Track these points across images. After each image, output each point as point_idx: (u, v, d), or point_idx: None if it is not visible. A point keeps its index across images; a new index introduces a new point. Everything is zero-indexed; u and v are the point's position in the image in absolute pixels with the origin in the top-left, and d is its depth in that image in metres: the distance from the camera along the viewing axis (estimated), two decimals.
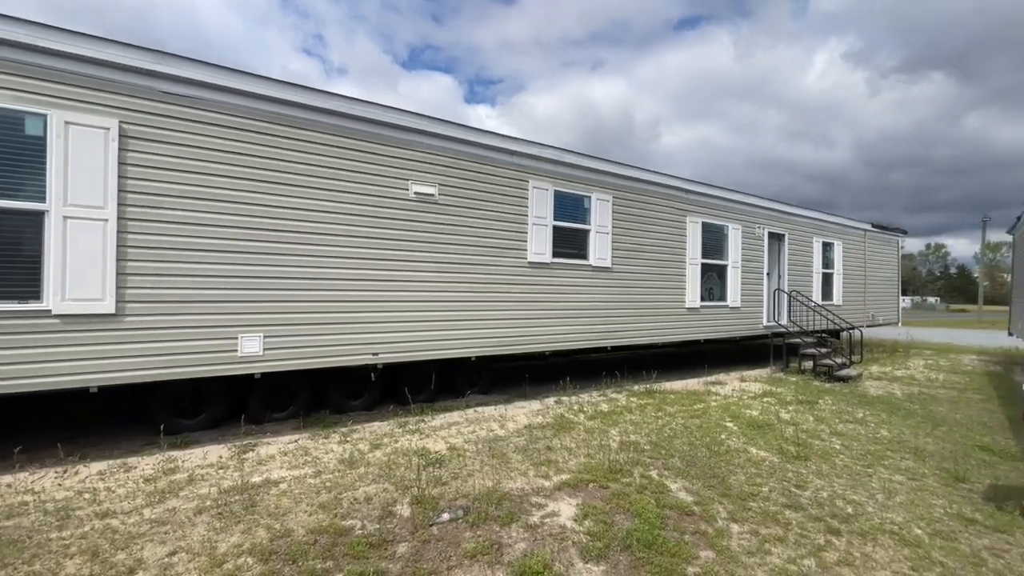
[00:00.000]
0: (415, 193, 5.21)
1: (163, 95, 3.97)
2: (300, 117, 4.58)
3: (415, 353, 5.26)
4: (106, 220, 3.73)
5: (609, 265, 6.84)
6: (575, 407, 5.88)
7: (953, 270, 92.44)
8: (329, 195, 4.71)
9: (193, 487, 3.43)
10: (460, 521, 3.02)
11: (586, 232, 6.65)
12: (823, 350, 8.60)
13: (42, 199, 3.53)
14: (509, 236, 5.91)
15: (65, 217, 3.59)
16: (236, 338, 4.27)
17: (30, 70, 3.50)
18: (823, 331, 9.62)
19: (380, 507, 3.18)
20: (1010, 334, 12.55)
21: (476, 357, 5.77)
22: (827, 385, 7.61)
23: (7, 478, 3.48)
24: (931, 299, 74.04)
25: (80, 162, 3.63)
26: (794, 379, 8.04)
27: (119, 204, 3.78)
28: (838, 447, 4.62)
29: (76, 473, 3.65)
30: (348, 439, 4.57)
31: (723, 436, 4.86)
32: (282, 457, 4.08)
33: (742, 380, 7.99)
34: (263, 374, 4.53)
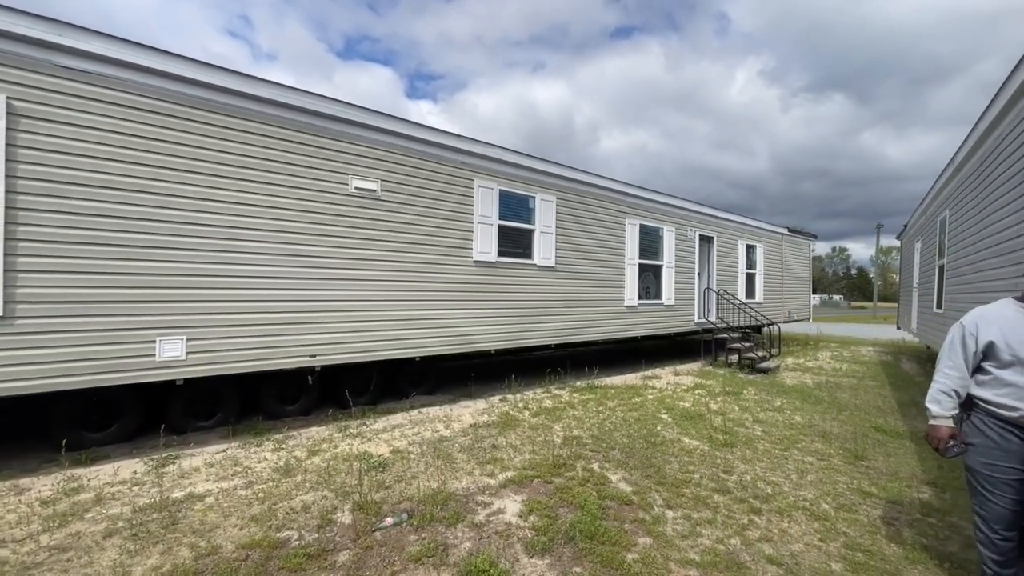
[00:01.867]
0: (356, 188, 5.02)
1: (61, 69, 3.53)
2: (228, 103, 4.26)
3: (356, 355, 5.08)
4: None
5: (553, 265, 6.98)
6: (520, 404, 5.95)
7: (854, 271, 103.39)
8: (261, 188, 4.43)
9: (102, 507, 3.10)
10: (404, 525, 2.95)
11: (531, 232, 6.74)
12: (747, 344, 9.31)
13: None
14: (454, 235, 5.86)
15: None
16: (154, 341, 3.90)
17: None
18: (747, 327, 10.41)
19: (319, 516, 3.04)
20: (898, 327, 14.26)
21: (420, 358, 5.67)
22: (750, 377, 8.25)
23: None
24: (836, 297, 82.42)
25: None
26: (722, 372, 8.63)
27: (7, 191, 3.32)
28: (759, 433, 5.02)
29: None
30: (283, 446, 4.32)
31: (659, 428, 5.12)
32: (208, 469, 3.78)
33: (676, 374, 8.47)
34: (186, 380, 4.18)
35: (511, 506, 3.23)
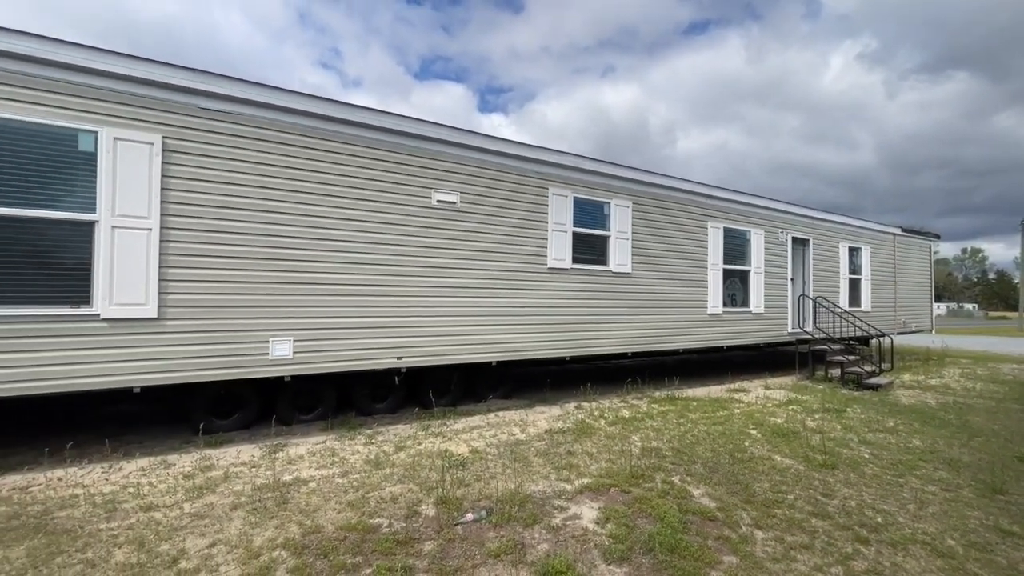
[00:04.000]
0: (437, 201, 5.34)
1: (202, 111, 4.20)
2: (328, 129, 4.77)
3: (438, 357, 5.37)
4: (150, 229, 3.96)
5: (629, 271, 6.84)
6: (596, 413, 5.88)
7: (992, 275, 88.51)
8: (355, 204, 4.88)
9: (228, 484, 3.58)
10: (483, 522, 3.08)
11: (606, 238, 6.68)
12: (851, 357, 8.39)
13: (92, 210, 3.77)
14: (529, 242, 5.99)
15: (113, 227, 3.82)
16: (267, 342, 4.45)
17: (82, 90, 3.76)
18: (851, 338, 9.37)
19: (406, 506, 3.27)
20: None
21: (496, 362, 5.84)
22: (855, 393, 7.42)
23: (59, 472, 3.70)
24: (968, 306, 70.99)
25: (127, 175, 3.87)
26: (820, 387, 7.85)
27: (162, 214, 4.00)
28: (867, 456, 4.52)
29: (120, 469, 3.85)
30: (373, 441, 4.68)
31: (747, 443, 4.81)
32: (311, 457, 4.21)
33: (766, 387, 7.85)
34: (292, 377, 4.69)
35: (588, 512, 3.23)
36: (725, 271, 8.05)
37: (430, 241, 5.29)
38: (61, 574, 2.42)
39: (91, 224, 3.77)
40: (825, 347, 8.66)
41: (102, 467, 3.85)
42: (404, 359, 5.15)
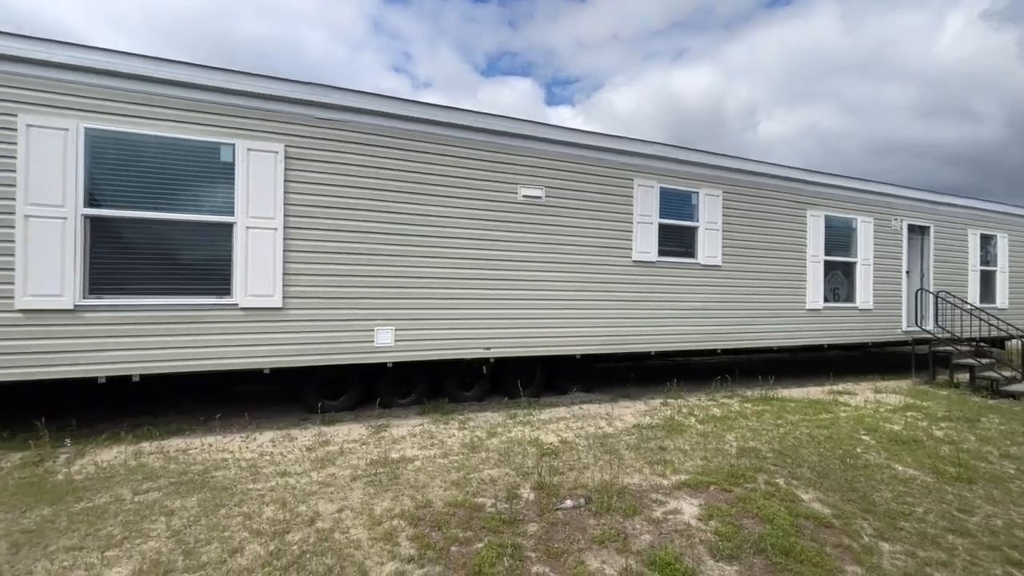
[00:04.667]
0: (523, 196, 5.46)
1: (317, 120, 4.63)
2: (422, 131, 5.05)
3: (524, 349, 5.50)
4: (275, 229, 4.45)
5: (719, 263, 6.53)
6: (684, 410, 5.71)
7: None
8: (448, 201, 5.13)
9: (344, 458, 3.96)
10: (583, 509, 3.14)
11: (694, 229, 6.42)
12: (983, 360, 7.36)
13: (232, 213, 4.32)
14: (614, 235, 5.93)
15: (247, 227, 4.35)
16: (372, 330, 4.83)
17: (223, 108, 4.30)
18: (981, 339, 8.21)
19: (505, 489, 3.42)
20: None
21: (581, 355, 5.86)
22: (991, 401, 6.52)
23: (209, 439, 4.31)
24: None
25: (257, 181, 4.38)
26: (944, 393, 6.99)
27: (284, 215, 4.48)
28: (1012, 472, 3.98)
29: (255, 439, 4.39)
30: (466, 426, 4.92)
31: (859, 449, 4.44)
32: (412, 438, 4.53)
33: (876, 391, 7.14)
34: (394, 364, 5.06)
35: (688, 508, 3.18)
36: (826, 263, 7.40)
37: (516, 235, 5.42)
38: (226, 523, 2.84)
39: (230, 225, 4.33)
40: (950, 348, 7.67)
41: (241, 436, 4.42)
42: (492, 349, 5.34)
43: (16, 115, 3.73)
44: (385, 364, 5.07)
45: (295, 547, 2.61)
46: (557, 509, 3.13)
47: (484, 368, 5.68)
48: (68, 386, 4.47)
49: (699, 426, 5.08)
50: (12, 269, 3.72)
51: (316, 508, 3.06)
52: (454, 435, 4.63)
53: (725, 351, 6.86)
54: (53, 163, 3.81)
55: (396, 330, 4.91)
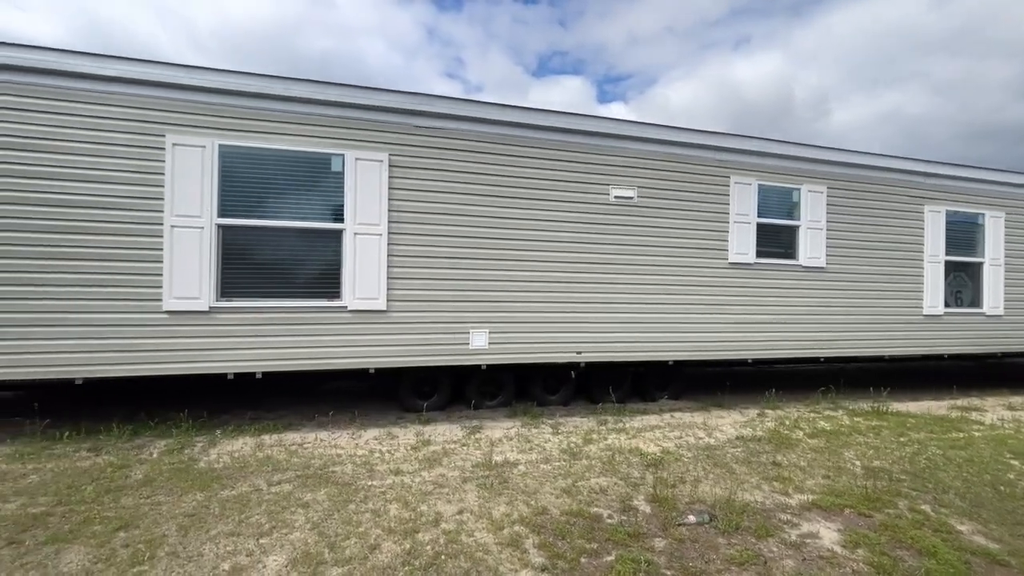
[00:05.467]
0: (615, 197, 5.33)
1: (416, 128, 4.77)
2: (514, 135, 5.06)
3: (614, 354, 5.38)
4: (380, 235, 4.63)
5: (823, 265, 6.05)
6: (787, 422, 5.34)
7: None
8: (539, 204, 5.11)
9: (449, 459, 4.04)
10: (707, 526, 2.99)
11: (795, 228, 5.99)
12: None
13: (341, 220, 4.55)
14: (709, 236, 5.65)
15: (355, 233, 4.57)
16: (468, 333, 4.91)
17: (335, 120, 4.54)
18: None
19: (618, 500, 3.33)
20: None
21: (673, 361, 5.65)
22: None
23: (320, 434, 4.56)
24: None
25: (364, 189, 4.58)
26: None
27: (388, 221, 4.66)
28: None
29: (360, 436, 4.60)
30: (559, 431, 4.87)
31: (1010, 476, 3.93)
32: (508, 441, 4.54)
33: (1009, 408, 6.32)
34: (487, 366, 5.11)
35: (826, 533, 2.94)
36: (948, 264, 6.65)
37: (608, 238, 5.31)
38: (358, 518, 2.97)
39: (340, 232, 4.56)
40: None
41: (347, 433, 4.64)
42: (583, 354, 5.27)
43: (164, 135, 4.14)
44: (479, 366, 5.13)
45: (428, 547, 2.68)
46: (680, 524, 3.00)
47: (573, 372, 5.61)
48: (176, 381, 4.90)
49: (809, 440, 4.73)
50: (161, 274, 4.13)
51: (436, 509, 3.13)
52: (550, 440, 4.60)
53: (829, 359, 6.34)
54: (192, 177, 4.18)
55: (490, 333, 4.95)
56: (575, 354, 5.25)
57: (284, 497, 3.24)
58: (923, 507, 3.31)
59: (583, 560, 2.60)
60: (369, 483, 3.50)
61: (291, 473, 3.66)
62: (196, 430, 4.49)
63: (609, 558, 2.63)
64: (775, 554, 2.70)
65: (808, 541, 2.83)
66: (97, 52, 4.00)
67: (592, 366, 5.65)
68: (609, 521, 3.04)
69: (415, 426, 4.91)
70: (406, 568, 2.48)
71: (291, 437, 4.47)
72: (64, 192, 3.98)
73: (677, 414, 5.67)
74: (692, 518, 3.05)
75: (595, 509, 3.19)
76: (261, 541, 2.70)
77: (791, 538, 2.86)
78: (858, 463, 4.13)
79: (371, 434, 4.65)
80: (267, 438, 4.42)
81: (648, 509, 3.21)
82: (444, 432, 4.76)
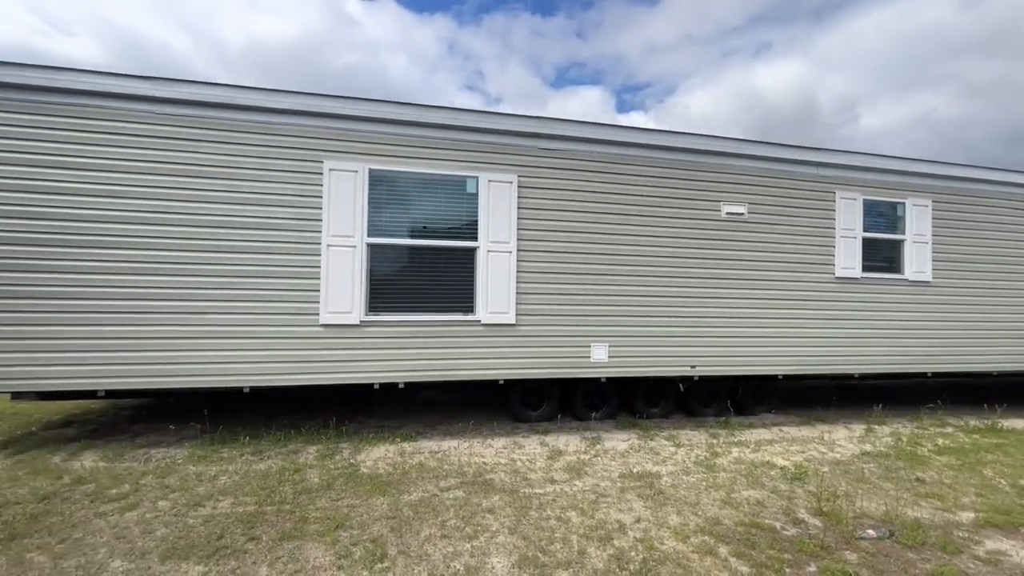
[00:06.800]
0: (726, 214, 5.44)
1: (541, 151, 5.00)
2: (628, 154, 5.24)
3: (725, 368, 5.46)
4: (510, 252, 4.86)
5: (929, 279, 6.01)
6: (903, 439, 5.30)
7: None
8: (654, 221, 5.26)
9: (591, 469, 4.18)
10: (888, 541, 3.04)
11: (900, 243, 5.98)
12: None
13: (475, 238, 4.79)
14: (815, 251, 5.70)
15: (488, 251, 4.80)
16: (589, 346, 5.07)
17: (471, 145, 4.81)
18: None
19: (781, 512, 3.41)
20: None
21: (782, 375, 5.68)
22: None
23: (450, 442, 4.75)
24: None
25: (496, 209, 4.82)
26: None
27: (517, 239, 4.88)
28: None
29: (490, 445, 4.77)
30: (678, 444, 4.96)
31: None
32: (636, 453, 4.66)
33: None
34: (604, 378, 5.25)
35: (1014, 551, 2.95)
36: None
37: (719, 253, 5.42)
38: (546, 524, 3.13)
39: (474, 250, 4.80)
40: None
41: (476, 442, 4.83)
42: (697, 368, 5.36)
43: (322, 161, 4.47)
44: (587, 379, 5.27)
45: (632, 553, 2.82)
46: (860, 538, 3.06)
47: (681, 386, 5.70)
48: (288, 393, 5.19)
49: (938, 458, 4.70)
50: (318, 291, 4.44)
51: (613, 517, 3.27)
52: (675, 452, 4.70)
53: (937, 374, 6.26)
54: (346, 200, 4.49)
55: (610, 346, 5.10)
56: (689, 368, 5.35)
57: (463, 503, 3.43)
58: None
59: (788, 571, 2.70)
60: (532, 491, 3.67)
61: (453, 480, 3.85)
62: (336, 438, 4.76)
63: (810, 569, 2.72)
64: (974, 570, 2.74)
65: (1001, 559, 2.86)
66: (266, 87, 4.36)
67: (688, 379, 5.73)
68: (786, 533, 3.12)
69: (535, 436, 5.07)
70: (624, 573, 2.63)
71: (427, 445, 4.68)
72: (236, 215, 4.33)
73: (784, 428, 5.68)
74: (872, 532, 3.11)
75: (766, 520, 3.28)
76: (472, 544, 2.88)
77: (981, 555, 2.90)
78: (1003, 481, 4.10)
79: (498, 443, 4.83)
80: (406, 446, 4.65)
81: (818, 522, 3.28)
82: (566, 442, 4.90)
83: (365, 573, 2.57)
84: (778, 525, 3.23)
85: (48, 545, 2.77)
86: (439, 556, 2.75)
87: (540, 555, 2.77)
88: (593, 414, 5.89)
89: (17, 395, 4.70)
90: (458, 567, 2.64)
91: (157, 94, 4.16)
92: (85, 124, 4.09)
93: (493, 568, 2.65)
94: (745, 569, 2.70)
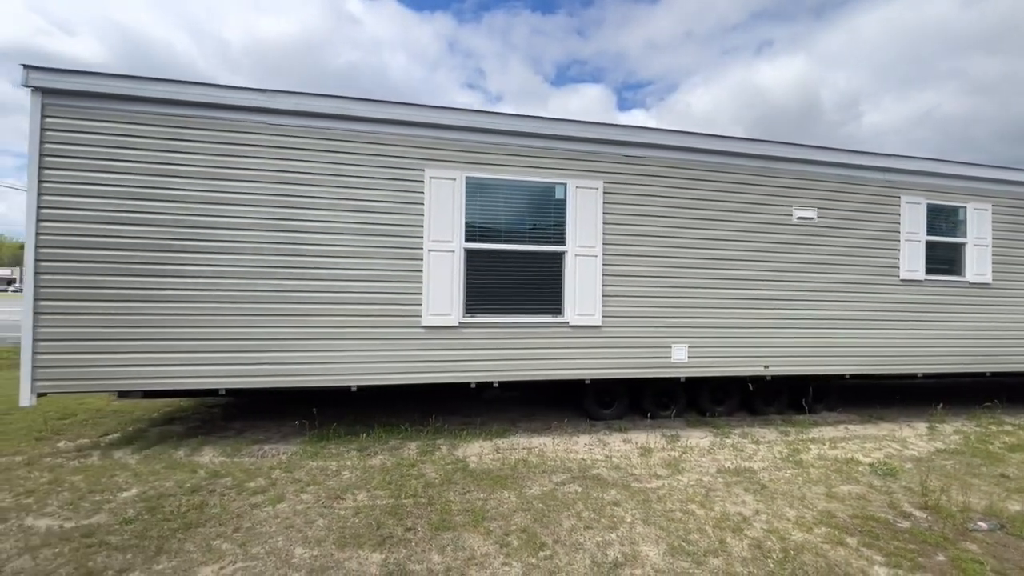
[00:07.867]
0: (798, 218, 5.61)
1: (625, 158, 5.17)
2: (707, 161, 5.40)
3: (797, 368, 5.63)
4: (596, 256, 5.04)
5: (989, 281, 6.17)
6: (970, 436, 5.47)
7: None
8: (730, 225, 5.43)
9: (686, 464, 4.36)
10: (999, 532, 3.22)
11: (961, 246, 6.14)
12: None
13: (563, 243, 4.97)
14: (880, 254, 5.86)
15: (575, 255, 4.98)
16: (669, 347, 5.25)
17: (559, 152, 4.98)
18: None
19: (886, 506, 3.59)
20: None
21: (850, 375, 5.86)
22: None
23: (537, 440, 4.94)
24: None
25: (583, 215, 5.00)
26: None
27: (602, 244, 5.05)
28: None
29: (577, 442, 4.95)
30: (757, 441, 5.13)
31: None
32: (720, 450, 4.83)
33: None
34: (683, 378, 5.43)
35: None
36: None
37: (791, 256, 5.59)
38: (671, 515, 3.32)
39: (562, 254, 4.98)
40: None
41: (563, 439, 5.02)
42: (770, 368, 5.53)
43: (423, 169, 4.65)
44: (668, 378, 5.46)
45: (768, 544, 3.00)
46: (973, 530, 3.24)
47: (750, 385, 5.88)
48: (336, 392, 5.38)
49: (1012, 455, 4.87)
50: (421, 293, 4.62)
51: (731, 510, 3.45)
52: (758, 449, 4.87)
53: (995, 374, 6.42)
54: (445, 207, 4.68)
55: (689, 347, 5.28)
56: (763, 368, 5.53)
57: (583, 496, 3.62)
58: None
59: (920, 560, 2.88)
60: (642, 485, 3.86)
61: (562, 475, 4.04)
62: (433, 434, 4.95)
63: (940, 558, 2.90)
64: None
65: None
66: (374, 98, 4.54)
67: (754, 379, 5.90)
68: (900, 525, 3.30)
69: (617, 433, 5.26)
70: (770, 560, 2.81)
71: (519, 442, 4.87)
72: (343, 221, 4.52)
73: (850, 427, 5.85)
74: (983, 524, 3.29)
75: (878, 514, 3.46)
76: (616, 534, 3.07)
77: None
78: None
79: (584, 440, 5.01)
80: (499, 442, 4.83)
81: (926, 516, 3.46)
82: (649, 440, 5.08)
83: (532, 560, 2.76)
84: (890, 518, 3.41)
85: (225, 534, 2.97)
86: (592, 545, 2.93)
87: (684, 544, 2.96)
88: (663, 412, 6.07)
89: (124, 394, 4.92)
90: (615, 555, 2.83)
91: (272, 106, 4.35)
92: (204, 135, 4.28)
93: (648, 556, 2.83)
94: (880, 558, 2.88)
